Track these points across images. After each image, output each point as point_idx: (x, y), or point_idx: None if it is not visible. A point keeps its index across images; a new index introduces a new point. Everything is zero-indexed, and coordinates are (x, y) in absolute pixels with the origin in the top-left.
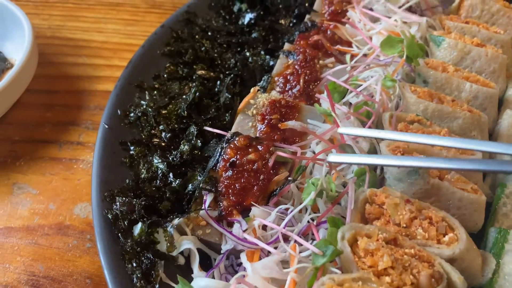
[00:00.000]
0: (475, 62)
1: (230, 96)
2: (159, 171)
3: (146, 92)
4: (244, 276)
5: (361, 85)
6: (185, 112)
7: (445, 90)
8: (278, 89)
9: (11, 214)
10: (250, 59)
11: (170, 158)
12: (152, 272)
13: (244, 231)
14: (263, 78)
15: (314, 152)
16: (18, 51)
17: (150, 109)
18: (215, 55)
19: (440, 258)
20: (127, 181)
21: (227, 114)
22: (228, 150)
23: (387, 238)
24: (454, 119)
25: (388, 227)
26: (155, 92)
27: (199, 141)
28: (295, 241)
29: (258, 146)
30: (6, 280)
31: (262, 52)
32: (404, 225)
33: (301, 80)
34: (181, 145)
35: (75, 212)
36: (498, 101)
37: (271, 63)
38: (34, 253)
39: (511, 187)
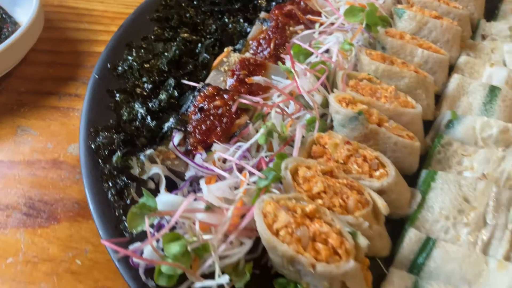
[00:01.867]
0: (431, 32)
1: (208, 57)
2: (139, 115)
3: (134, 50)
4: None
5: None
6: (166, 67)
7: (400, 55)
8: (251, 51)
9: (15, 151)
10: (229, 26)
11: (150, 105)
12: (125, 191)
13: (205, 161)
14: (239, 42)
15: None
16: (27, 16)
17: (135, 64)
18: (198, 21)
19: (370, 189)
20: (111, 121)
21: (204, 71)
22: (198, 97)
23: (324, 170)
24: (401, 78)
25: (329, 163)
26: (142, 50)
27: (176, 91)
28: (247, 170)
29: (224, 95)
30: (8, 201)
31: (241, 20)
32: (342, 162)
33: (272, 44)
34: (160, 94)
35: (68, 150)
36: (448, 67)
37: (248, 30)
38: (32, 182)
39: (446, 138)
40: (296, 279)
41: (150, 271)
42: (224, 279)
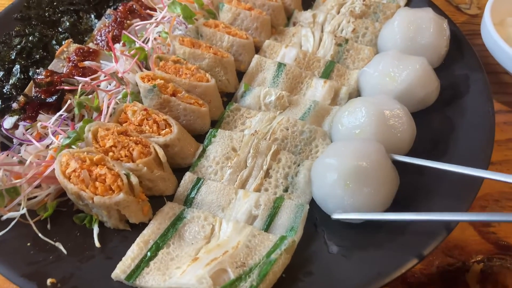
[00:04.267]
0: (243, 21)
1: (57, 48)
2: None
3: None
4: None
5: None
6: (14, 57)
7: (213, 41)
8: (95, 42)
9: None
10: (82, 22)
11: (5, 90)
12: None
13: (27, 129)
14: (88, 36)
15: None
16: None
17: None
18: (54, 19)
19: (155, 143)
20: None
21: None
22: (37, 80)
23: (120, 130)
24: (203, 59)
25: (129, 126)
26: (2, 44)
27: (23, 75)
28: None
29: (55, 77)
30: None
31: (92, 17)
32: (138, 124)
33: (109, 35)
34: (11, 79)
35: None
36: (254, 49)
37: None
38: None
39: (235, 105)
40: (89, 212)
41: None
42: (23, 210)
